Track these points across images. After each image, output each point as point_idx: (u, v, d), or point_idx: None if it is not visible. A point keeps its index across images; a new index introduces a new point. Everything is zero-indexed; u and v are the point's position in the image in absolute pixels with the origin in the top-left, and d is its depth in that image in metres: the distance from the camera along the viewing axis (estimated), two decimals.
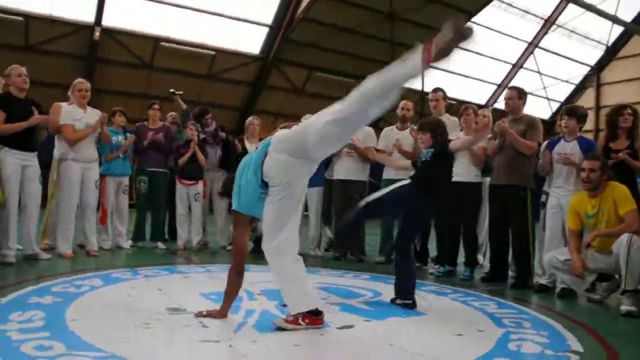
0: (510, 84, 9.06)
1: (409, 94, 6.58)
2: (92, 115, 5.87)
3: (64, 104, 5.83)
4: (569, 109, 5.32)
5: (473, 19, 18.63)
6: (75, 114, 5.73)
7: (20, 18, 13.79)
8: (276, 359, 2.70)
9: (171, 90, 7.85)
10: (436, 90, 6.28)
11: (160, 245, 6.70)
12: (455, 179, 5.52)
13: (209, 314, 3.33)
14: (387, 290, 4.58)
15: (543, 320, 3.78)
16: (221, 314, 3.35)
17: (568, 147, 5.03)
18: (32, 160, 5.29)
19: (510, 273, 5.45)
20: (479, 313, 3.97)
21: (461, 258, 5.81)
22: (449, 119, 6.06)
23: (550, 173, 5.19)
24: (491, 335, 3.29)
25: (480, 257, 6.44)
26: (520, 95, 5.41)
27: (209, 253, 6.64)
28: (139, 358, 2.49)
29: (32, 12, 13.89)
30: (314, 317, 3.22)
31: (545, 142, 5.31)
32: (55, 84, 11.76)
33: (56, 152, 5.86)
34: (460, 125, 5.87)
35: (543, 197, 5.31)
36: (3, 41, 13.22)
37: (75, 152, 5.72)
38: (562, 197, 4.98)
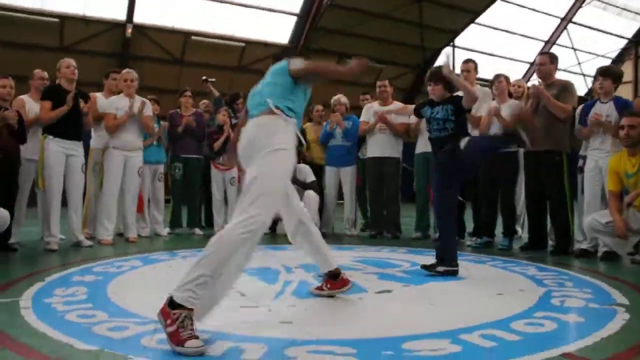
0: None
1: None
2: (137, 104, 5.95)
3: (99, 94, 6.00)
4: (603, 69, 5.17)
5: None
6: (119, 103, 5.86)
7: (56, 19, 14.13)
8: (315, 320, 2.70)
9: (204, 77, 7.97)
10: (467, 61, 6.20)
11: (197, 231, 6.79)
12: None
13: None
14: (424, 260, 4.53)
15: (586, 279, 3.71)
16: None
17: (604, 109, 4.90)
18: (76, 149, 5.40)
19: (550, 243, 5.35)
20: (519, 276, 3.93)
21: (499, 229, 5.72)
22: (481, 89, 5.98)
23: (588, 138, 5.05)
24: (533, 293, 3.24)
25: (518, 229, 6.37)
26: (552, 60, 5.30)
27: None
28: None
29: (67, 13, 14.22)
30: (334, 281, 3.20)
31: (581, 106, 5.18)
32: (90, 83, 11.97)
33: (95, 142, 6.00)
34: (492, 94, 5.76)
35: (580, 162, 5.18)
36: (39, 42, 13.57)
37: (118, 140, 5.84)
38: (600, 159, 4.86)
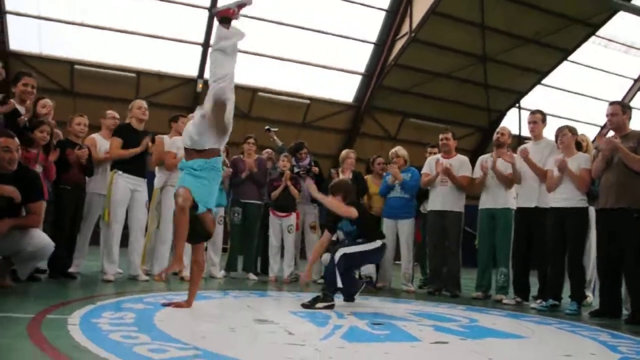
0: None
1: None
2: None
3: (165, 136, 6.21)
4: None
5: (570, 58, 17.93)
6: (180, 143, 6.00)
7: (133, 74, 15.03)
8: None
9: (266, 126, 8.13)
10: (535, 112, 6.00)
11: (251, 276, 6.74)
12: (558, 204, 5.25)
13: (178, 304, 3.66)
14: (484, 318, 4.32)
15: None
16: (188, 303, 3.66)
17: None
18: (141, 186, 5.64)
19: (624, 311, 4.93)
20: (589, 340, 3.59)
21: (566, 292, 5.34)
22: (547, 143, 5.78)
23: None
24: (606, 357, 2.94)
25: (588, 293, 5.94)
26: (625, 109, 5.03)
27: (300, 286, 6.55)
28: (220, 351, 2.42)
29: (143, 69, 15.10)
30: None
31: None
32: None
33: (157, 182, 6.17)
34: (558, 146, 5.52)
35: None
36: (118, 95, 14.37)
37: (176, 179, 5.95)
38: None
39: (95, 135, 5.91)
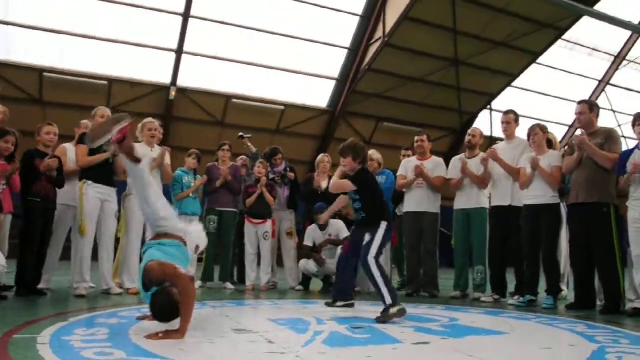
0: None
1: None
2: (158, 153, 6.01)
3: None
4: None
5: (539, 60, 18.26)
6: (143, 151, 5.90)
7: (104, 82, 14.79)
8: None
9: (240, 133, 8.08)
10: (507, 112, 6.06)
11: (228, 285, 6.66)
12: (531, 201, 5.33)
13: (167, 336, 2.92)
14: (464, 317, 4.34)
15: None
16: (181, 333, 2.96)
17: None
18: (111, 196, 5.49)
19: (598, 302, 5.01)
20: (568, 332, 3.64)
21: (542, 287, 5.41)
22: (520, 142, 5.84)
23: (626, 187, 4.78)
24: (584, 348, 2.97)
25: (563, 288, 6.04)
26: (592, 107, 5.14)
27: (278, 293, 6.49)
28: None
29: (115, 76, 14.87)
30: None
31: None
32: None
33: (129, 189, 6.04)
34: (530, 145, 5.58)
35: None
36: (89, 103, 14.07)
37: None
38: None
39: (67, 145, 5.74)
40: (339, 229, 6.63)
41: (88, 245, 5.29)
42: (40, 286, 5.18)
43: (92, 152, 5.28)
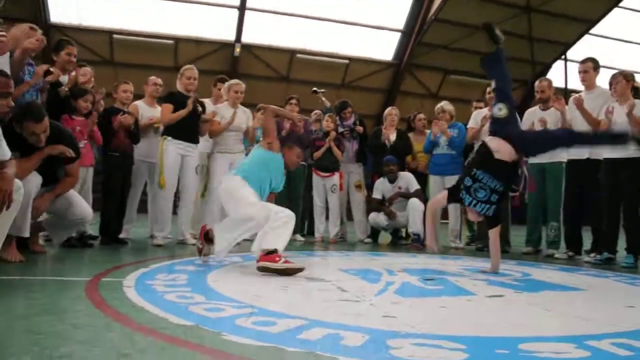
0: None
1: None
2: (241, 115, 6.09)
3: (206, 100, 6.20)
4: None
5: (621, 4, 16.97)
6: (224, 112, 6.02)
7: (171, 41, 15.06)
8: (419, 316, 2.48)
9: (314, 88, 8.03)
10: (585, 60, 5.70)
11: (298, 237, 6.75)
12: (611, 154, 5.03)
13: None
14: (537, 272, 4.24)
15: None
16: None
17: None
18: (192, 151, 5.62)
19: None
20: None
21: (621, 245, 5.17)
22: (601, 92, 5.51)
23: None
24: None
25: None
26: None
27: (347, 245, 6.54)
28: (275, 309, 2.41)
29: (180, 35, 15.09)
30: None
31: None
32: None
33: (203, 146, 6.16)
34: (612, 95, 5.25)
35: None
36: (157, 63, 14.43)
37: (221, 145, 5.99)
38: None
39: (138, 102, 5.93)
40: (409, 181, 6.57)
41: (168, 198, 5.50)
42: (121, 236, 5.46)
43: (175, 109, 5.42)
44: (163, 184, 5.44)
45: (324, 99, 7.78)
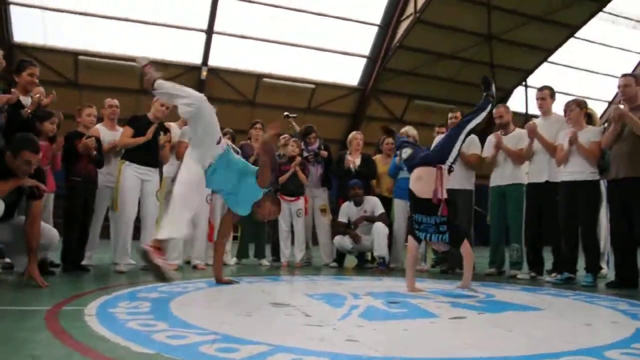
0: None
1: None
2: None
3: (173, 124, 6.16)
4: None
5: (577, 34, 17.71)
6: (177, 131, 6.05)
7: (136, 63, 14.94)
8: (383, 339, 2.51)
9: (285, 113, 8.08)
10: (542, 88, 5.92)
11: (264, 262, 6.74)
12: (569, 178, 5.22)
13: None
14: (500, 293, 4.32)
15: None
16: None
17: None
18: (152, 175, 5.56)
19: None
20: (609, 310, 3.57)
21: (580, 265, 5.32)
22: (557, 118, 5.71)
23: None
24: (627, 326, 2.90)
25: (603, 266, 5.92)
26: (638, 80, 4.96)
27: (312, 269, 6.54)
28: (239, 335, 2.40)
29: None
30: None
31: None
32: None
33: (168, 171, 6.12)
34: (567, 121, 5.45)
35: None
36: (123, 85, 14.32)
37: None
38: None
39: (99, 126, 5.84)
40: (374, 205, 6.64)
41: (128, 222, 5.41)
42: (83, 262, 5.34)
43: (136, 134, 5.39)
44: (116, 207, 5.39)
45: (294, 123, 7.84)
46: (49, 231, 4.27)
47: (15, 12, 13.77)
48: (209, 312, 3.09)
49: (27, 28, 14.03)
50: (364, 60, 17.26)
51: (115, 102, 6.05)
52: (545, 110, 5.83)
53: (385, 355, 2.12)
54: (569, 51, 18.40)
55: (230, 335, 2.37)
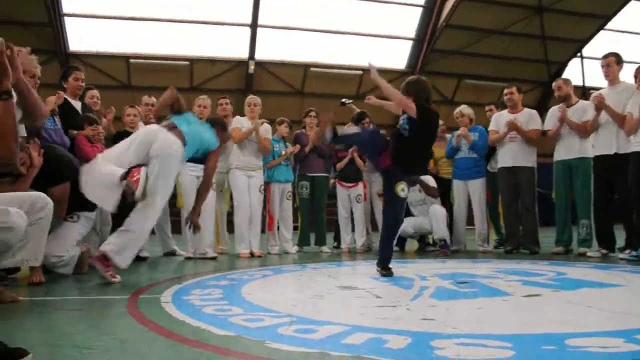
0: None
1: None
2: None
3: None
4: None
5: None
6: (244, 122, 6.21)
7: (186, 62, 15.28)
8: (459, 318, 2.47)
9: (342, 100, 8.03)
10: (607, 55, 5.64)
11: (325, 249, 6.76)
12: (637, 148, 4.95)
13: None
14: (572, 271, 4.16)
15: None
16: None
17: None
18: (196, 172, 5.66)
19: None
20: None
21: None
22: (626, 86, 5.44)
23: None
24: None
25: None
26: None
27: (374, 254, 6.49)
28: (314, 317, 2.41)
29: (195, 56, 15.31)
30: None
31: None
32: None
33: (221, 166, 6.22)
34: (638, 87, 5.17)
35: None
36: (173, 84, 14.57)
37: (239, 160, 6.05)
38: None
39: (141, 124, 5.97)
40: (428, 179, 6.51)
41: (208, 218, 5.65)
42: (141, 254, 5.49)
43: None
44: (181, 204, 5.64)
45: (354, 107, 7.80)
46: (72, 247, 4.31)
47: (69, 23, 14.27)
48: (280, 296, 3.11)
49: (80, 37, 14.55)
50: (410, 43, 17.00)
51: (152, 99, 6.34)
52: (612, 78, 5.54)
53: (466, 332, 2.07)
54: (630, 15, 17.31)
55: (305, 317, 2.39)
